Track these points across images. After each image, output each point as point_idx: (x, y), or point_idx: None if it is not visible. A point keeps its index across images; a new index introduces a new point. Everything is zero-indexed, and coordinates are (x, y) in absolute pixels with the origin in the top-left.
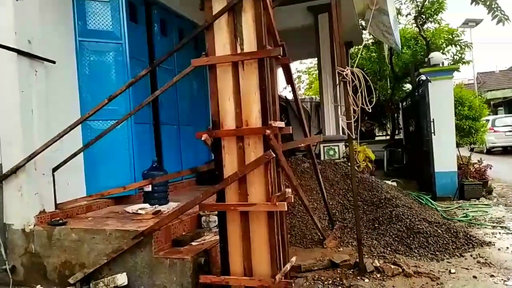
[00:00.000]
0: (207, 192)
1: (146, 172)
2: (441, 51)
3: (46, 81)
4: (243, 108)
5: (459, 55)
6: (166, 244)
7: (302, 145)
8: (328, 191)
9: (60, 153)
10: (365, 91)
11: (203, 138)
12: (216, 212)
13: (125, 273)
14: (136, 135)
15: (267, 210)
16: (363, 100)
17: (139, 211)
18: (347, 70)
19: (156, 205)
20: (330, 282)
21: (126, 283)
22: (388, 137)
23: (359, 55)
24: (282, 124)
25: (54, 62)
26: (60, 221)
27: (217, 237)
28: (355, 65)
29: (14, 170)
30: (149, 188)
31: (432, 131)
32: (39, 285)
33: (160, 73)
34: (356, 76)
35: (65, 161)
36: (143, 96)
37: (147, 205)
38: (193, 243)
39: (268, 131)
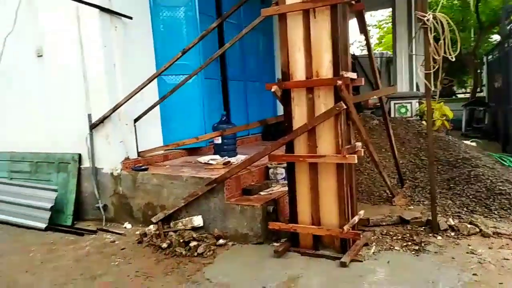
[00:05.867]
0: (277, 143)
1: (216, 125)
2: None
3: (125, 36)
4: (313, 58)
5: None
6: (237, 192)
7: (375, 97)
8: (398, 150)
9: (140, 105)
10: (448, 39)
11: (272, 90)
12: (283, 165)
13: (200, 216)
14: (206, 90)
15: (336, 162)
16: (446, 49)
17: (211, 161)
18: (428, 15)
19: (226, 157)
20: (400, 237)
21: (201, 224)
22: (468, 95)
23: (440, 3)
24: (354, 75)
25: (131, 18)
26: (143, 167)
27: (284, 188)
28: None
29: (102, 120)
30: (219, 141)
31: None
32: (127, 222)
33: (227, 28)
34: (439, 22)
35: (144, 113)
36: (211, 52)
37: (217, 156)
38: (262, 193)
39: (339, 82)
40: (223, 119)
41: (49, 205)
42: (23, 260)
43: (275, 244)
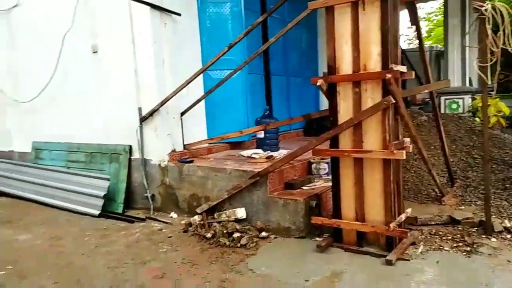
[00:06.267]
0: (321, 138)
1: (259, 119)
2: None
3: (173, 32)
4: (361, 51)
5: None
6: (279, 186)
7: (425, 91)
8: (449, 147)
9: (186, 99)
10: (508, 29)
11: (318, 84)
12: (326, 160)
13: (243, 208)
14: (249, 85)
15: (383, 158)
16: (505, 40)
17: (253, 155)
18: (487, 4)
19: (268, 151)
20: (450, 237)
21: (244, 216)
22: None
23: None
24: (403, 68)
25: (179, 15)
26: (188, 159)
27: (327, 184)
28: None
29: (151, 113)
30: (261, 135)
31: None
32: (173, 212)
33: (271, 23)
34: (498, 12)
35: (190, 106)
36: (255, 47)
37: (260, 151)
38: (304, 188)
39: (388, 75)
40: (266, 113)
41: (102, 193)
42: (79, 244)
43: (318, 239)
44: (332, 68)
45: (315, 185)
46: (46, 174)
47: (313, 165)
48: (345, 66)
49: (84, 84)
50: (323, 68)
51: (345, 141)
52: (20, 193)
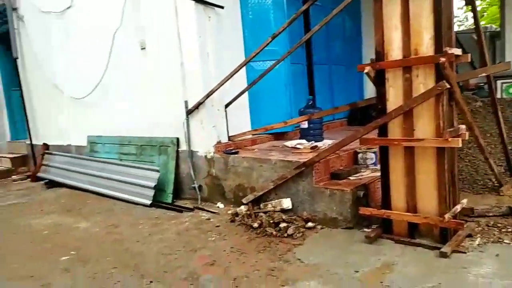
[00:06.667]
0: (369, 127)
1: (303, 109)
2: None
3: (217, 25)
4: (412, 35)
5: None
6: (325, 176)
7: (483, 74)
8: (507, 134)
9: (230, 91)
10: None
11: (365, 71)
12: (373, 149)
13: (289, 198)
14: (292, 75)
15: (436, 146)
16: None
17: (298, 146)
18: None
19: (313, 141)
20: (510, 230)
21: (290, 207)
22: None
23: None
24: (458, 51)
25: (222, 7)
26: (233, 151)
27: (375, 174)
28: None
29: (197, 106)
30: (305, 125)
31: None
32: (219, 202)
33: (313, 12)
34: None
35: (234, 98)
36: (297, 36)
37: (304, 141)
38: (351, 178)
39: (442, 59)
40: (310, 103)
41: (153, 184)
42: (134, 232)
43: (366, 229)
44: (380, 54)
45: (362, 175)
46: (101, 166)
47: (359, 155)
48: (395, 51)
49: (133, 79)
50: (367, 55)
51: (395, 130)
52: (78, 184)
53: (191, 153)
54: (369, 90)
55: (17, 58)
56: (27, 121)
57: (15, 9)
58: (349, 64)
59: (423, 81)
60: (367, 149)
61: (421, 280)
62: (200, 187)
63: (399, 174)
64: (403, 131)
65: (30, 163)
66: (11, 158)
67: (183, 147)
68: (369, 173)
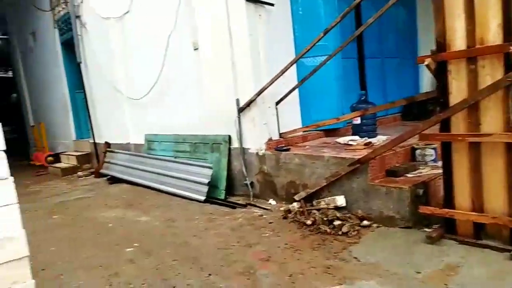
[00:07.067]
0: (429, 121)
1: (355, 105)
2: None
3: (267, 23)
4: (477, 23)
5: None
6: (380, 173)
7: None
8: None
9: (281, 88)
10: None
11: (425, 63)
12: (432, 145)
13: (343, 196)
14: (343, 70)
15: (506, 142)
16: None
17: (350, 142)
18: None
19: (366, 137)
20: None
21: (344, 204)
22: None
23: None
24: None
25: (273, 5)
26: (284, 148)
27: (435, 171)
28: None
29: (248, 104)
30: (358, 121)
31: None
32: (271, 199)
33: (365, 4)
34: None
35: (285, 95)
36: (348, 30)
37: (357, 137)
38: (408, 175)
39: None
40: (362, 98)
41: (206, 181)
42: (190, 226)
43: (426, 229)
44: (442, 45)
45: (420, 172)
46: (158, 163)
47: (417, 151)
48: (458, 41)
49: (187, 79)
50: (422, 48)
51: (458, 124)
52: (137, 180)
53: (243, 150)
54: (426, 83)
55: (80, 62)
56: (90, 121)
57: (78, 17)
58: (403, 56)
59: (490, 72)
60: (425, 145)
61: (490, 284)
62: (252, 183)
63: (464, 172)
64: (467, 125)
65: (94, 160)
66: (76, 156)
67: (235, 144)
68: (429, 170)
